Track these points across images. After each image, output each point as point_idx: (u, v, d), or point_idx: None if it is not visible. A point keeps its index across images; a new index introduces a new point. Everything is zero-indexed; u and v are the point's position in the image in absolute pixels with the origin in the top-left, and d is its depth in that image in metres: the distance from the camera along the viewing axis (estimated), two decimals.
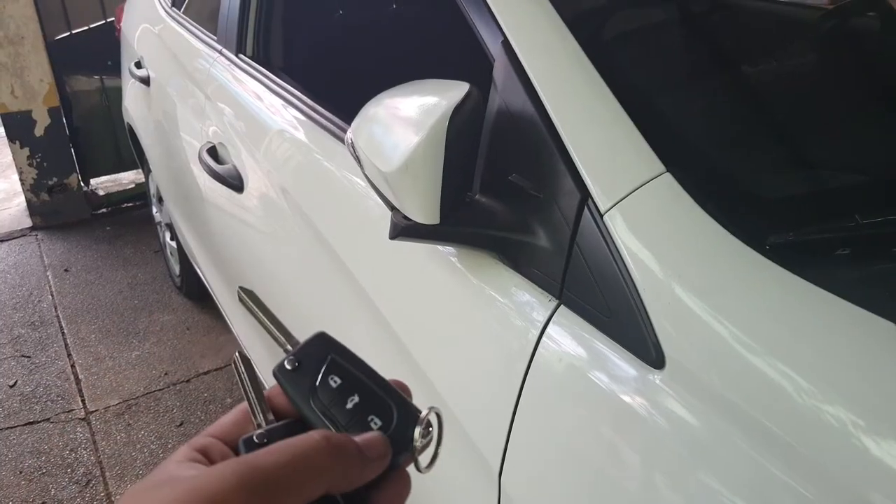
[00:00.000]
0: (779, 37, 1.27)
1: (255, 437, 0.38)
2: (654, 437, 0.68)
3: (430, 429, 0.39)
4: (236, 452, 0.39)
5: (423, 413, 0.39)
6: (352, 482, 0.36)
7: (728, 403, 0.64)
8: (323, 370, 0.40)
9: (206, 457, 0.37)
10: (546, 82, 0.86)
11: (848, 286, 0.65)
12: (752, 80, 1.07)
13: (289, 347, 0.42)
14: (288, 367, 0.41)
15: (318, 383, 0.40)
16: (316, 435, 0.36)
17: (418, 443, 0.38)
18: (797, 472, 0.59)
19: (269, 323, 0.44)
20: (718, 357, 0.65)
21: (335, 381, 0.40)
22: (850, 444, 0.57)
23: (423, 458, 0.40)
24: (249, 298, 0.45)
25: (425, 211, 0.82)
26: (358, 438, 0.37)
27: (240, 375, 0.42)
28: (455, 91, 0.82)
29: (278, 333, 0.43)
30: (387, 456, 0.37)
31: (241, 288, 0.45)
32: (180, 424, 2.33)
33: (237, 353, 0.43)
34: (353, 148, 0.91)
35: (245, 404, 0.40)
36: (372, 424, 0.38)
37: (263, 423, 0.39)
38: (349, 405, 0.39)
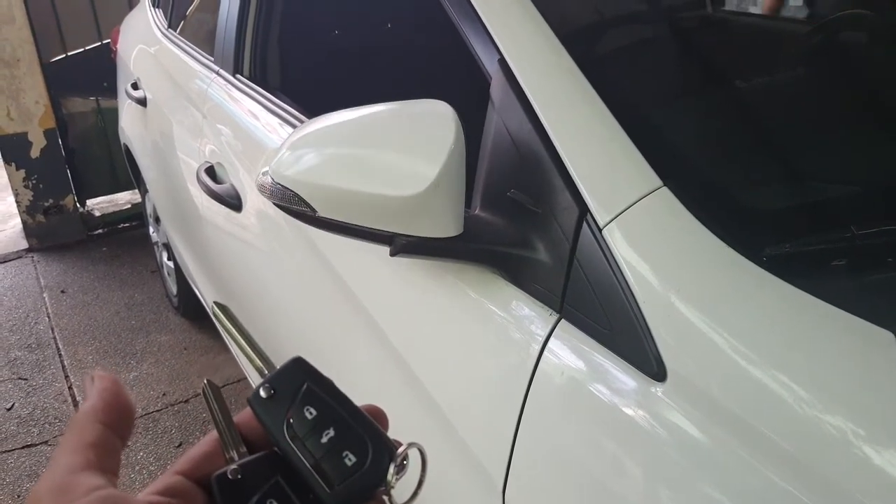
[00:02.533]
0: (771, 51, 1.29)
1: (228, 474, 0.37)
2: (658, 449, 0.68)
3: (406, 462, 0.39)
4: (208, 489, 0.37)
5: (400, 449, 0.38)
6: None
7: (730, 415, 0.64)
8: (298, 399, 0.39)
9: (174, 498, 0.36)
10: (543, 99, 0.87)
11: (845, 296, 0.66)
12: (746, 93, 1.09)
13: (266, 372, 0.41)
14: (263, 394, 0.40)
15: (293, 414, 0.39)
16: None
17: (392, 479, 0.38)
18: (800, 481, 0.59)
19: (245, 346, 0.43)
20: (719, 368, 0.66)
21: (311, 413, 0.39)
22: (852, 453, 0.58)
23: (404, 494, 0.39)
24: (224, 314, 0.44)
25: (453, 223, 0.82)
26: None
27: (209, 405, 0.40)
28: (438, 105, 0.83)
29: (253, 355, 0.42)
30: None
31: (215, 302, 0.45)
32: (179, 445, 2.32)
33: (206, 381, 0.42)
34: (294, 196, 0.84)
35: (215, 433, 0.39)
36: (346, 460, 0.38)
37: (236, 457, 0.38)
38: (324, 439, 0.38)
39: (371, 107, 0.88)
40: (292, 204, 0.86)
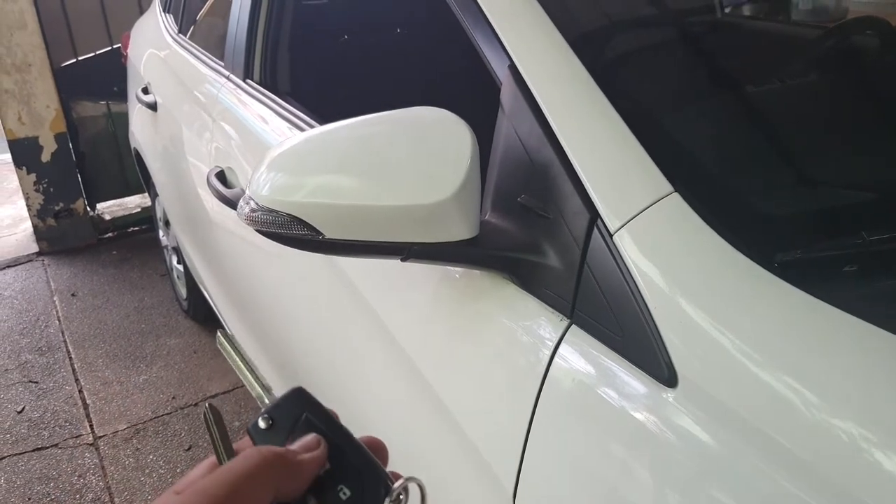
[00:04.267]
0: (783, 56, 1.29)
1: None
2: (669, 456, 0.68)
3: (402, 497, 0.38)
4: None
5: (397, 484, 0.38)
6: (296, 488, 0.37)
7: (742, 421, 0.64)
8: (297, 431, 0.40)
9: None
10: (553, 104, 0.87)
11: (857, 302, 0.66)
12: (758, 99, 1.08)
13: (266, 401, 0.42)
14: (262, 425, 0.40)
15: (290, 445, 0.39)
16: (255, 453, 0.37)
17: None
18: (814, 489, 0.59)
19: (247, 373, 0.43)
20: (730, 375, 0.66)
21: None
22: (867, 461, 0.57)
23: None
24: (229, 345, 0.44)
25: (472, 225, 0.83)
26: (295, 445, 0.38)
27: (210, 429, 0.41)
28: (435, 112, 0.84)
29: (255, 384, 0.43)
30: (322, 455, 0.38)
31: (220, 332, 0.45)
32: (189, 448, 2.32)
33: (207, 406, 0.42)
34: (295, 222, 0.79)
35: (213, 459, 0.40)
36: (341, 494, 0.38)
37: None
38: (320, 472, 0.38)
39: (364, 118, 0.86)
40: (291, 230, 0.80)
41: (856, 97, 1.13)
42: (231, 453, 0.40)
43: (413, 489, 0.39)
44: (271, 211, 0.81)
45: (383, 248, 0.82)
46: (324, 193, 0.80)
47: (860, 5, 1.77)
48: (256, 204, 0.82)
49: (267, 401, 0.39)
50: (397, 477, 0.39)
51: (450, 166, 0.79)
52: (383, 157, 0.82)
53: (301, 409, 0.41)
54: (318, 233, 0.80)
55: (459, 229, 0.82)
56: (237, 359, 0.41)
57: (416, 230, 0.81)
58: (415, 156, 0.82)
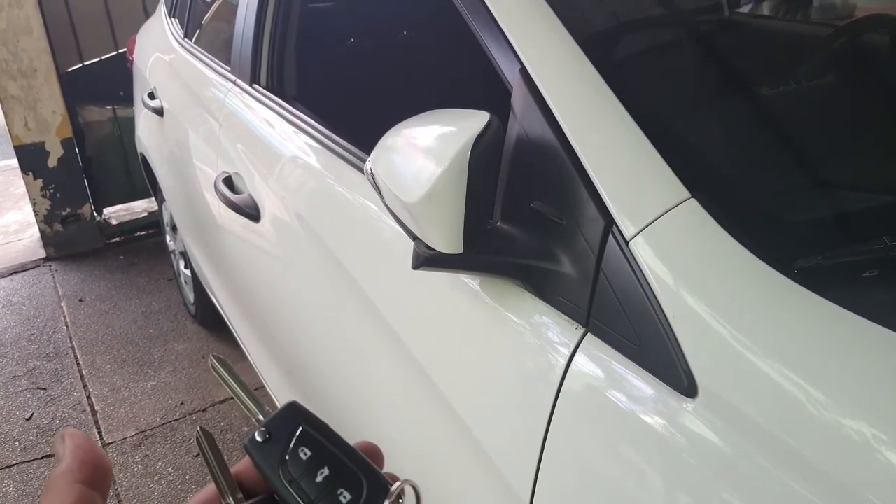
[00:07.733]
0: (799, 57, 1.27)
1: None
2: (689, 467, 0.67)
3: (401, 500, 0.39)
4: None
5: (395, 486, 0.39)
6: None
7: (763, 432, 0.63)
8: (293, 441, 0.40)
9: None
10: (566, 109, 0.85)
11: (878, 309, 0.64)
12: (774, 101, 1.07)
13: (260, 417, 0.42)
14: (259, 438, 0.40)
15: (288, 455, 0.40)
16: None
17: None
18: (835, 499, 0.57)
19: (241, 393, 0.44)
20: (751, 384, 0.65)
21: (305, 453, 0.40)
22: (892, 470, 0.56)
23: None
24: (223, 367, 0.45)
25: (449, 241, 0.82)
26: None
27: (204, 453, 0.41)
28: (475, 120, 0.82)
29: (249, 403, 0.43)
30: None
31: (213, 356, 0.45)
32: (197, 455, 2.32)
33: (199, 429, 0.43)
34: (372, 178, 0.91)
35: (213, 485, 0.40)
36: (342, 498, 0.38)
37: (232, 503, 0.39)
38: (319, 478, 0.39)
39: (434, 111, 0.91)
40: (375, 188, 0.93)
41: (875, 99, 1.12)
42: (227, 473, 0.40)
43: (409, 491, 0.40)
44: (371, 169, 0.93)
45: (406, 228, 0.89)
46: (378, 164, 0.90)
47: (870, 4, 1.75)
48: (368, 163, 0.95)
49: (262, 417, 0.40)
50: (394, 479, 0.40)
51: (428, 173, 0.80)
52: (411, 148, 0.86)
53: (297, 421, 0.41)
54: (381, 195, 0.91)
55: (439, 239, 0.83)
56: (233, 383, 0.41)
57: (410, 222, 0.86)
58: (422, 154, 0.83)
